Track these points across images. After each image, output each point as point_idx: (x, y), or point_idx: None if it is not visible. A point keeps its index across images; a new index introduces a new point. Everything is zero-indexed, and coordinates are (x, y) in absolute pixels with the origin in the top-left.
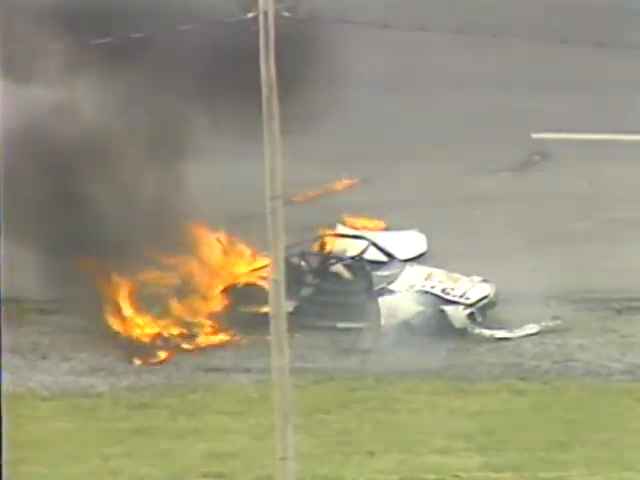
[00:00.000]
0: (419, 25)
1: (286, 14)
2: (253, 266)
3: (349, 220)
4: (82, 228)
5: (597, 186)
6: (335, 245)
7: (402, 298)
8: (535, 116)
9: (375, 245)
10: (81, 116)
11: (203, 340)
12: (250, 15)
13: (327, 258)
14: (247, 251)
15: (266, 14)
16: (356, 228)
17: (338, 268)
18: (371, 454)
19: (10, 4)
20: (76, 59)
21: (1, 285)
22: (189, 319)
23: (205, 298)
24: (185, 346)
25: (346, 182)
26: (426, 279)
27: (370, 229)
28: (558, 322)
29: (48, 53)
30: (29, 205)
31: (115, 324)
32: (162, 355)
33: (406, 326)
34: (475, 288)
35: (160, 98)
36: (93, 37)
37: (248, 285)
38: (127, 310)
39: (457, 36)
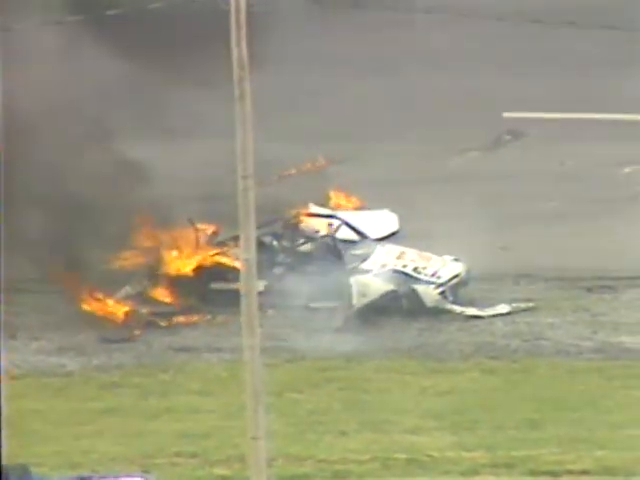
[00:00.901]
0: (389, 6)
1: None
2: (221, 247)
3: (321, 199)
4: (54, 208)
5: (568, 165)
6: (307, 224)
7: (374, 277)
8: (506, 96)
9: (347, 224)
10: (50, 96)
11: (174, 319)
12: None
13: (299, 237)
14: (214, 231)
15: None
16: (329, 207)
17: (309, 247)
18: (343, 433)
19: None
20: (46, 38)
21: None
22: (160, 298)
23: (176, 277)
24: (155, 322)
25: (319, 162)
26: (398, 258)
27: (342, 208)
28: (530, 304)
29: (19, 32)
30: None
31: (86, 303)
32: (133, 332)
33: (377, 305)
34: (446, 267)
35: (129, 78)
36: (64, 15)
37: (219, 264)
38: (98, 290)
39: (428, 17)
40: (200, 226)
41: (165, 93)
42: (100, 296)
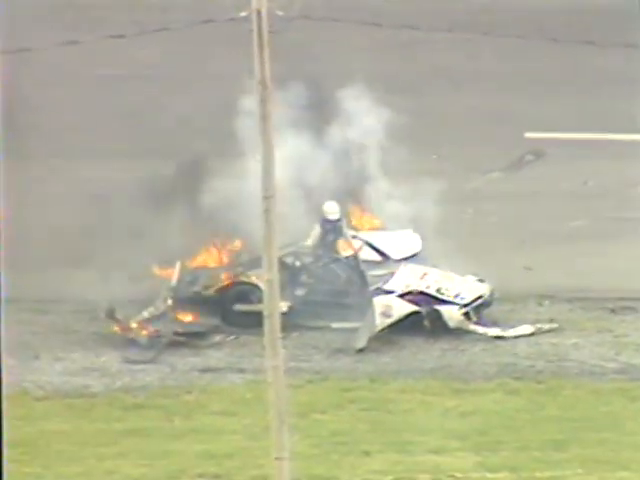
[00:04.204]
0: (412, 25)
1: (279, 13)
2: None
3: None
4: (78, 227)
5: (590, 185)
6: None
7: (397, 298)
8: (528, 116)
9: (369, 245)
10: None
11: (197, 339)
12: (243, 14)
13: (321, 258)
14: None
15: (259, 12)
16: (350, 227)
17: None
18: (367, 454)
19: None
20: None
21: (1, 285)
22: (184, 319)
23: (200, 298)
24: (179, 343)
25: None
26: (421, 279)
27: (365, 228)
28: (553, 325)
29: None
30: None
31: (109, 324)
32: (157, 353)
33: (400, 326)
34: (470, 288)
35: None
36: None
37: (243, 285)
38: (122, 310)
39: (449, 37)
40: (224, 244)
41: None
42: (124, 316)
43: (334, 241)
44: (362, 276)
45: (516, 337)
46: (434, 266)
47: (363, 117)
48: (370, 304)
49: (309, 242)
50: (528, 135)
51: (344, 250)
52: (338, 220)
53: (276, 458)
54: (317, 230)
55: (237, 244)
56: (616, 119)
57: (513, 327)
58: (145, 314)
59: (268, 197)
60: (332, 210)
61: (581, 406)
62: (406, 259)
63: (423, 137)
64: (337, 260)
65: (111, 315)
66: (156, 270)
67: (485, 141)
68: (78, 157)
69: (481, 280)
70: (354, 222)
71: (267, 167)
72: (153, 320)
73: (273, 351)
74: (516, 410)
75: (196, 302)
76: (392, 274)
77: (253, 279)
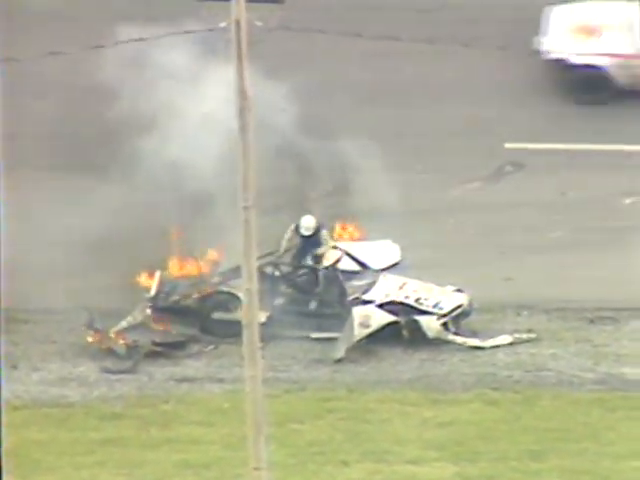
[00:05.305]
0: (391, 35)
1: (259, 23)
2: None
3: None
4: (57, 232)
5: (570, 196)
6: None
7: (375, 308)
8: (508, 126)
9: (349, 255)
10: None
11: (175, 349)
12: (223, 24)
13: (300, 268)
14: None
15: (239, 23)
16: (331, 238)
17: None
18: (345, 464)
19: None
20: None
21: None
22: (162, 328)
23: (178, 307)
24: (157, 353)
25: (319, 192)
26: (400, 289)
27: (345, 239)
28: (532, 335)
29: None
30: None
31: (87, 334)
32: (134, 363)
33: (379, 336)
34: (449, 298)
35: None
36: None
37: (223, 294)
38: (99, 320)
39: (430, 47)
40: (202, 255)
41: None
42: (101, 327)
43: (309, 251)
44: (341, 286)
45: (494, 347)
46: (413, 276)
47: (342, 126)
48: (349, 314)
49: (284, 240)
50: (508, 145)
51: (323, 260)
52: (313, 235)
53: (254, 468)
54: (291, 230)
55: (215, 254)
56: (596, 130)
57: (492, 337)
58: (123, 324)
59: (247, 208)
60: (307, 225)
61: (559, 416)
62: (385, 269)
63: (402, 147)
64: (316, 270)
65: (90, 325)
66: (137, 279)
67: (465, 151)
68: (61, 168)
69: (460, 290)
70: (335, 232)
71: (246, 177)
72: (131, 330)
73: (251, 361)
74: (494, 420)
75: (175, 312)
76: (371, 284)
77: (232, 289)
